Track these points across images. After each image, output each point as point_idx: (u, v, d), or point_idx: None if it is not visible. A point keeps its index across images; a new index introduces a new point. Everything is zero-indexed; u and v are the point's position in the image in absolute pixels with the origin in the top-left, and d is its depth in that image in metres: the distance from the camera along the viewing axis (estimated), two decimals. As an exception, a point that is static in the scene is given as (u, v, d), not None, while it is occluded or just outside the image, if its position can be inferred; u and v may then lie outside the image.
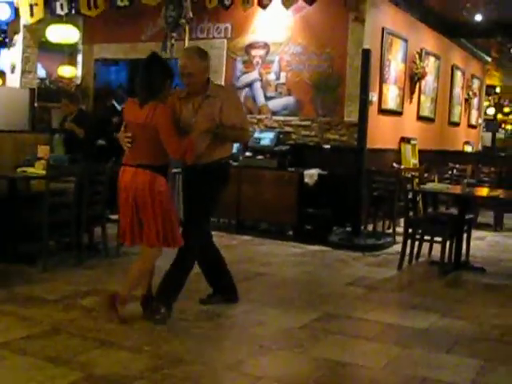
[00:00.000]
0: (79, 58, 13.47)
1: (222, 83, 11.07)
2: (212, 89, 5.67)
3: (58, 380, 4.24)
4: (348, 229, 9.77)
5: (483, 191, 9.29)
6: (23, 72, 11.42)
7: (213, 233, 9.67)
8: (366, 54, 9.46)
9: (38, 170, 7.34)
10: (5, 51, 13.59)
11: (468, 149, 17.15)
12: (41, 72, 13.59)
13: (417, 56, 12.19)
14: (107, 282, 6.76)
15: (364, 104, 9.48)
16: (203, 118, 5.52)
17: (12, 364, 4.51)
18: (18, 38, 11.47)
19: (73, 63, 15.51)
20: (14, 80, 11.43)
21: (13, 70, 11.48)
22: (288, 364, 4.81)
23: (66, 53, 16.87)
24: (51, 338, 5.03)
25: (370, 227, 10.19)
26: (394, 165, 11.09)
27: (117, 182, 5.45)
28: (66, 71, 15.26)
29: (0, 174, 6.48)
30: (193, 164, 5.60)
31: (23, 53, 11.47)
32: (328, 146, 10.27)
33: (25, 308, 5.72)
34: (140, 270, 5.62)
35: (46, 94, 12.17)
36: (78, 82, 13.06)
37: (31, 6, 10.83)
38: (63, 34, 10.16)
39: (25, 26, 11.38)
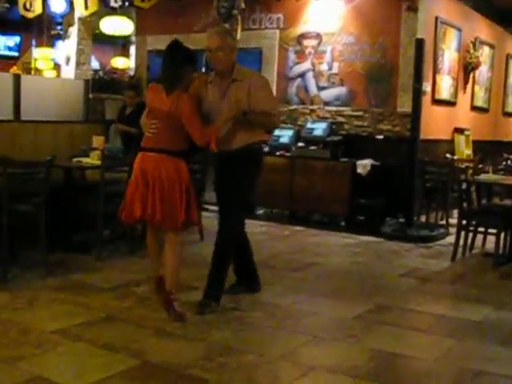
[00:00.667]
0: (132, 49, 13.60)
1: (275, 74, 11.09)
2: (239, 72, 5.57)
3: (113, 367, 4.31)
4: (401, 220, 9.71)
5: (539, 182, 9.14)
6: (78, 64, 11.55)
7: (265, 223, 9.91)
8: (420, 43, 9.37)
9: (93, 160, 7.42)
10: (60, 43, 13.78)
11: (523, 139, 16.89)
12: (94, 63, 13.76)
13: (471, 45, 12.03)
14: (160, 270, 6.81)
15: (417, 94, 9.39)
16: (230, 104, 5.47)
17: (68, 350, 4.58)
18: (73, 31, 11.59)
19: (126, 55, 15.70)
20: (68, 72, 11.57)
21: (67, 61, 11.62)
22: (341, 354, 4.81)
23: (119, 44, 17.08)
24: (106, 326, 5.12)
25: (423, 218, 10.11)
26: (448, 155, 10.97)
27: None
28: (120, 63, 15.45)
29: (56, 164, 6.54)
30: (223, 150, 5.54)
31: (78, 45, 11.59)
32: (381, 137, 10.22)
33: (80, 296, 5.81)
34: (175, 256, 5.55)
35: (99, 86, 12.30)
36: (132, 73, 13.17)
37: (86, -1, 10.95)
38: (117, 25, 10.25)
39: (79, 19, 11.50)
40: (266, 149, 10.22)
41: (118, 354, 4.52)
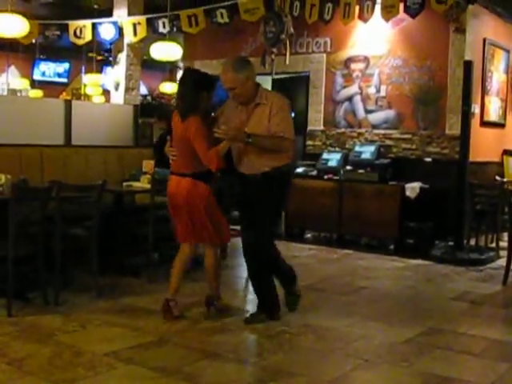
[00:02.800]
0: (179, 74, 13.70)
1: (322, 97, 11.10)
2: (262, 96, 5.64)
3: (166, 389, 4.33)
4: (450, 243, 9.62)
5: None
6: (127, 89, 11.66)
7: (313, 246, 9.90)
8: (468, 65, 9.34)
9: (144, 183, 7.50)
10: (109, 69, 13.96)
11: None
12: (142, 89, 13.90)
13: (519, 67, 11.94)
14: (211, 294, 6.84)
15: (466, 116, 9.35)
16: (251, 127, 5.55)
17: (120, 373, 4.61)
18: (122, 57, 11.72)
19: (173, 80, 15.85)
20: (117, 97, 11.69)
21: (117, 87, 11.74)
22: (393, 378, 4.76)
23: (167, 70, 17.28)
24: (158, 349, 5.14)
25: (473, 241, 10.00)
26: (497, 178, 10.87)
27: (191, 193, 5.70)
28: (167, 87, 15.60)
29: (107, 188, 6.61)
30: (248, 174, 5.74)
31: (127, 70, 11.71)
32: (429, 159, 10.16)
33: (131, 319, 5.85)
34: (212, 266, 5.93)
35: (148, 110, 12.42)
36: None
37: (134, 26, 11.09)
38: (166, 51, 10.35)
39: (128, 45, 11.63)
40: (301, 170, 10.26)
41: (170, 377, 4.53)
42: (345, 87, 11.02)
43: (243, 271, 8.10)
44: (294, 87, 11.81)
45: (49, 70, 18.41)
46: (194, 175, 5.64)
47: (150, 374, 4.59)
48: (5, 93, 16.56)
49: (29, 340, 5.17)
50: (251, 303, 6.56)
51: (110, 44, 12.14)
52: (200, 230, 5.75)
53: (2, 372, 4.48)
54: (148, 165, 7.82)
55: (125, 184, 7.56)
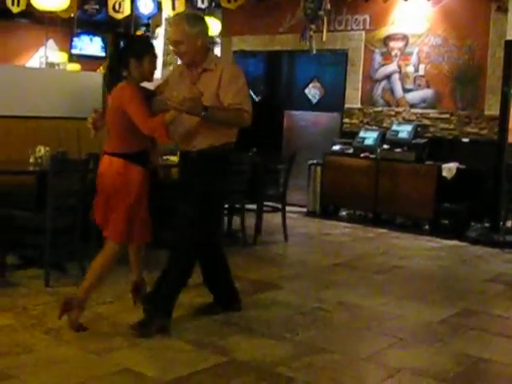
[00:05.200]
0: (216, 50, 13.68)
1: (360, 75, 11.03)
2: (211, 61, 4.92)
3: (200, 363, 4.36)
4: (486, 224, 9.55)
5: None
6: (164, 64, 11.69)
7: (348, 225, 9.88)
8: (509, 45, 9.21)
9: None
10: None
11: None
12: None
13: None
14: (246, 269, 6.90)
15: (506, 97, 9.23)
16: (193, 95, 4.69)
17: (155, 344, 4.65)
18: (160, 31, 11.74)
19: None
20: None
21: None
22: (427, 358, 4.75)
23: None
24: (192, 322, 5.18)
25: (509, 223, 9.92)
26: (536, 160, 10.76)
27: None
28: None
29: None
30: (184, 150, 5.07)
31: (164, 45, 11.73)
32: (467, 140, 10.07)
33: (167, 292, 5.88)
34: (102, 265, 4.93)
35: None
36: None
37: (173, 0, 11.09)
38: (205, 26, 10.36)
39: (166, 19, 11.63)
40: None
41: (205, 351, 4.57)
42: (383, 65, 10.93)
43: (276, 248, 8.18)
44: (331, 65, 11.74)
45: (86, 44, 18.46)
46: (127, 156, 4.84)
47: (184, 347, 4.63)
48: (43, 66, 16.64)
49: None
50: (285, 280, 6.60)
51: (148, 19, 12.17)
52: (114, 222, 4.90)
53: (40, 341, 4.55)
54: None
55: (161, 159, 7.57)
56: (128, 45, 5.16)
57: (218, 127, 4.90)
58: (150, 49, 4.96)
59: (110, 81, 4.95)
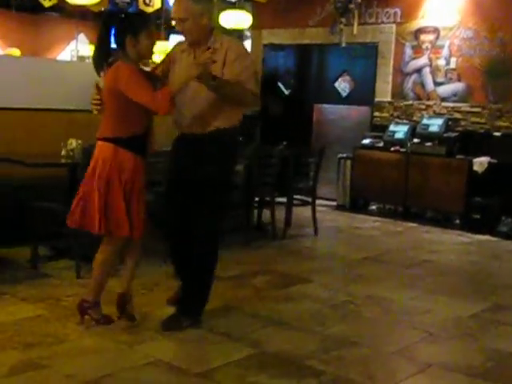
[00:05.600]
0: (246, 43, 13.68)
1: (391, 68, 10.98)
2: (216, 39, 4.66)
3: (231, 354, 4.38)
4: (518, 219, 9.50)
5: None
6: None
7: (378, 218, 9.88)
8: (542, 38, 9.14)
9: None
10: (175, 37, 14.00)
11: None
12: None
13: None
14: (276, 262, 6.94)
15: (538, 90, 9.17)
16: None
17: (187, 336, 4.67)
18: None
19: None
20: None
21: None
22: (458, 352, 4.74)
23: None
24: (224, 315, 5.20)
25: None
26: None
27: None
28: (235, 56, 15.57)
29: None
30: (190, 133, 4.74)
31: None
32: (498, 134, 9.99)
33: (197, 284, 5.91)
34: (103, 263, 4.71)
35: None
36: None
37: (204, -6, 11.11)
38: (235, 19, 10.36)
39: (197, 13, 11.63)
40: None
41: (236, 343, 4.59)
42: (414, 59, 10.87)
43: (306, 241, 8.18)
44: (362, 57, 11.70)
45: (117, 37, 18.58)
46: (118, 140, 4.54)
47: (216, 339, 4.66)
48: (74, 59, 16.74)
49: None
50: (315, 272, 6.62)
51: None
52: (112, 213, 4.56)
53: (72, 331, 4.59)
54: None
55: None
56: (122, 22, 4.66)
57: (225, 108, 4.65)
58: (147, 23, 4.69)
59: (99, 63, 4.62)
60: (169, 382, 3.95)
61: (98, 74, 4.63)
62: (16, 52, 15.42)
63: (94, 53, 4.68)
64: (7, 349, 4.20)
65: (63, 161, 6.39)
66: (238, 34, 15.43)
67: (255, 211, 8.15)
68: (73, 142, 6.41)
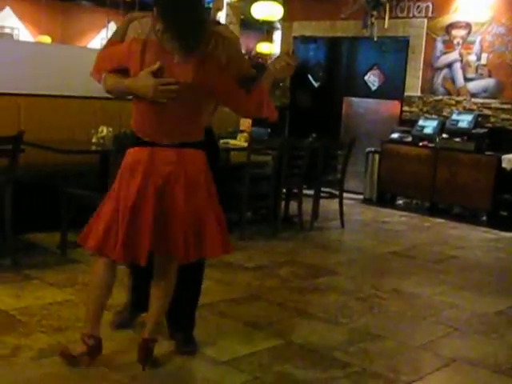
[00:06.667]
0: (275, 35, 13.71)
1: (421, 63, 10.94)
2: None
3: (258, 344, 4.41)
4: (546, 217, 9.44)
5: None
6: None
7: (405, 213, 9.88)
8: None
9: (240, 142, 7.58)
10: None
11: None
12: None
13: None
14: (302, 253, 6.98)
15: None
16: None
17: (213, 325, 4.71)
18: (222, 15, 11.77)
19: (270, 40, 15.86)
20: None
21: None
22: (483, 348, 4.73)
23: (264, 30, 17.29)
24: (250, 304, 5.24)
25: None
26: None
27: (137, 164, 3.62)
28: (265, 48, 15.63)
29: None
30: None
31: (226, 30, 11.79)
32: (529, 131, 9.95)
33: (224, 273, 5.95)
34: (172, 289, 3.89)
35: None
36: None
37: (235, -16, 11.15)
38: (267, 10, 10.40)
39: (228, 4, 11.67)
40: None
41: (262, 333, 4.63)
42: (445, 54, 10.82)
43: (333, 234, 8.20)
44: (392, 52, 11.66)
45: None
46: (199, 145, 3.68)
47: (242, 328, 4.69)
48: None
49: (125, 290, 5.31)
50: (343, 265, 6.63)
51: (209, 2, 12.19)
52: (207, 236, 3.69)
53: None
54: (245, 123, 7.90)
55: (221, 141, 7.63)
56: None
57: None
58: None
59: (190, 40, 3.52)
60: (196, 370, 3.99)
61: (185, 59, 3.53)
62: (47, 39, 15.55)
63: (186, 36, 3.50)
64: (36, 332, 4.25)
65: (94, 148, 6.45)
66: (268, 27, 15.48)
67: (282, 203, 8.17)
68: (104, 130, 6.45)
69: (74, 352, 3.80)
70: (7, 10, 15.37)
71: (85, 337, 3.78)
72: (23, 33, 15.61)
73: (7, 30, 13.94)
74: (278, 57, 3.85)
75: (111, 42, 3.82)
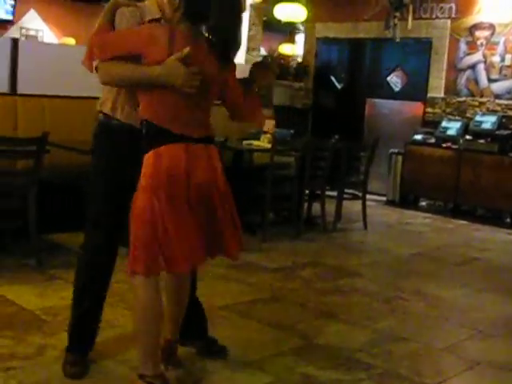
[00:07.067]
0: (297, 36, 13.70)
1: (444, 64, 10.90)
2: None
3: (280, 345, 4.41)
4: None
5: None
6: (248, 49, 11.76)
7: (428, 215, 9.84)
8: None
9: (263, 143, 7.58)
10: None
11: None
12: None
13: None
14: (325, 255, 6.97)
15: None
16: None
17: (236, 326, 4.73)
18: (245, 17, 11.80)
19: (293, 41, 15.85)
20: (238, 57, 11.79)
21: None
22: (508, 351, 4.70)
23: (286, 31, 17.28)
24: (272, 305, 5.24)
25: None
26: None
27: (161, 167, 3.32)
28: (287, 49, 15.62)
29: (227, 145, 6.71)
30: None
31: (249, 30, 11.80)
32: (553, 133, 9.87)
33: (246, 274, 5.96)
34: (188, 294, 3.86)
35: (267, 71, 12.45)
36: (299, 59, 13.30)
37: (258, -15, 11.15)
38: (290, 12, 10.40)
39: (251, 5, 11.68)
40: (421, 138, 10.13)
41: (285, 333, 4.63)
42: (468, 55, 10.78)
43: (355, 235, 8.19)
44: (416, 53, 11.63)
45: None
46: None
47: (265, 329, 4.70)
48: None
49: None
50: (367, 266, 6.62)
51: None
52: (229, 235, 3.61)
53: (122, 316, 4.64)
54: (268, 124, 7.89)
55: (245, 142, 7.65)
56: None
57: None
58: None
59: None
60: (219, 370, 3.97)
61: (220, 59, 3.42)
62: (71, 41, 15.61)
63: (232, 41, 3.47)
64: (60, 332, 4.26)
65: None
66: (291, 28, 15.48)
67: (305, 204, 8.17)
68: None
69: None
70: (32, 13, 15.42)
71: (147, 378, 3.39)
72: (47, 35, 15.65)
73: (32, 32, 14.02)
74: (260, 62, 3.72)
75: (103, 28, 3.50)
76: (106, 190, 3.67)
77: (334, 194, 8.22)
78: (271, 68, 3.69)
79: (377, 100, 11.81)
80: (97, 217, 3.74)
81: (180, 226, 3.29)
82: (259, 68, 3.70)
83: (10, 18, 10.71)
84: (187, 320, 3.89)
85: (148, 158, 3.29)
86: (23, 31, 11.11)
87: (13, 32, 10.64)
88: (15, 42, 7.24)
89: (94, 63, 3.51)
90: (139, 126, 3.41)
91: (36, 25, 13.22)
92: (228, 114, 3.73)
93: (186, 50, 3.20)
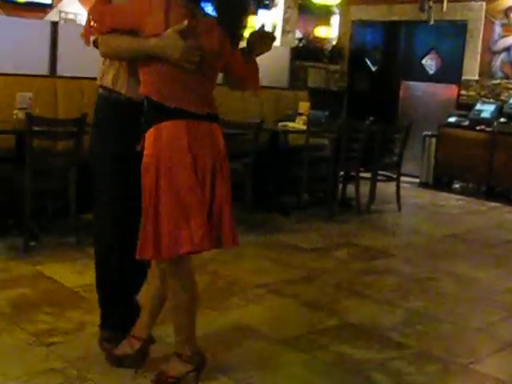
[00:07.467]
0: (333, 19, 13.68)
1: (479, 47, 10.85)
2: None
3: (314, 323, 4.50)
4: None
5: None
6: (283, 32, 11.80)
7: (461, 197, 9.86)
8: None
9: (299, 124, 7.64)
10: (264, 12, 14.09)
11: None
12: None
13: None
14: (359, 236, 7.03)
15: None
16: None
17: (271, 304, 4.82)
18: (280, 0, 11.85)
19: (327, 24, 15.83)
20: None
21: (274, 29, 11.87)
22: (540, 333, 4.77)
23: (321, 14, 17.25)
24: (307, 285, 5.32)
25: None
26: None
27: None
28: (322, 32, 15.61)
29: (263, 127, 6.78)
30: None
31: (284, 13, 11.83)
32: None
33: (282, 254, 6.06)
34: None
35: (302, 54, 12.45)
36: (334, 42, 13.30)
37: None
38: (326, -5, 10.42)
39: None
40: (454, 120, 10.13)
41: (319, 313, 4.71)
42: (503, 37, 10.72)
43: (389, 217, 8.22)
44: (451, 36, 11.59)
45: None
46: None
47: (299, 308, 4.79)
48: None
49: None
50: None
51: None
52: (228, 220, 3.36)
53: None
54: (304, 106, 7.95)
55: (280, 124, 7.71)
56: None
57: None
58: None
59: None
60: (253, 347, 4.05)
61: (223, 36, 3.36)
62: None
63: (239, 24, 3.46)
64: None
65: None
66: (326, 11, 15.46)
67: (340, 185, 8.23)
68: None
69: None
70: (70, -4, 15.58)
71: (184, 357, 3.43)
72: (85, 18, 15.86)
73: (70, 16, 14.13)
74: (257, 31, 3.55)
75: (102, 0, 3.41)
76: (114, 164, 3.54)
77: (369, 175, 8.24)
78: (269, 36, 3.56)
79: (411, 82, 11.80)
80: (107, 194, 3.62)
81: (181, 206, 3.19)
82: (257, 37, 3.53)
83: (49, 1, 10.83)
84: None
85: (149, 136, 3.23)
86: (62, 15, 11.21)
87: (52, 15, 10.74)
88: (55, 25, 7.35)
89: (92, 37, 3.46)
90: (140, 100, 3.34)
91: (74, 8, 13.29)
92: (226, 82, 3.64)
93: (185, 23, 3.13)
